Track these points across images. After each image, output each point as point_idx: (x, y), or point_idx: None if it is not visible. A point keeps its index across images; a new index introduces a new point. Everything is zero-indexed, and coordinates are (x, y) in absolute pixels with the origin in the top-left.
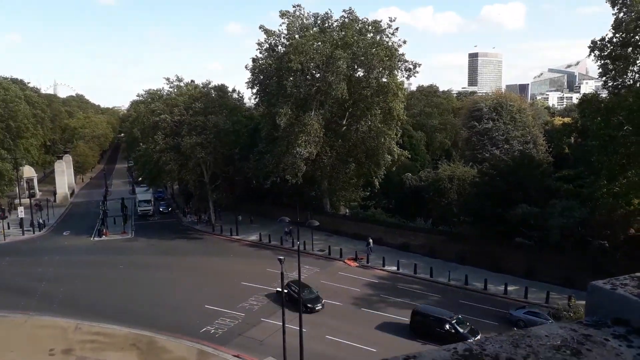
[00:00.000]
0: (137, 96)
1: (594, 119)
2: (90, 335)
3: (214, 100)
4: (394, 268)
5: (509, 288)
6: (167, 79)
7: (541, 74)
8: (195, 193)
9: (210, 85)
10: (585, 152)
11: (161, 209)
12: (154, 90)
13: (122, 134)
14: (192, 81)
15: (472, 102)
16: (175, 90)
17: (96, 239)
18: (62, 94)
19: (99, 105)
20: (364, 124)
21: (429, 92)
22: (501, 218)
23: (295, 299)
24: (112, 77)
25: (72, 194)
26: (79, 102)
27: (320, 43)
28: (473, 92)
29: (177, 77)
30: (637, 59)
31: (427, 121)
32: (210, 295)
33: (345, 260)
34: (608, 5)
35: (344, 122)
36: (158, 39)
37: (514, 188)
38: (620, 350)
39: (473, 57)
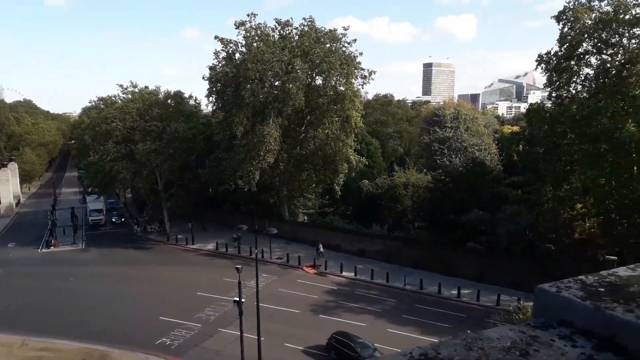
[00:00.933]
0: (90, 102)
1: (540, 127)
2: (37, 352)
3: (170, 106)
4: (352, 274)
5: (462, 291)
6: (121, 86)
7: (491, 84)
8: (149, 201)
9: (164, 91)
10: (532, 159)
11: (113, 219)
12: (106, 97)
13: (73, 141)
14: (146, 87)
15: (430, 111)
16: (130, 96)
17: (44, 250)
18: (9, 99)
19: (48, 112)
20: (321, 132)
21: (384, 101)
22: (454, 224)
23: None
24: (63, 82)
25: (17, 203)
26: (27, 108)
27: (279, 50)
28: (427, 101)
29: (132, 83)
30: (580, 71)
31: (382, 129)
32: (166, 306)
33: (304, 268)
34: (554, 20)
35: (302, 130)
36: (111, 43)
37: (466, 194)
38: (565, 350)
39: (427, 66)
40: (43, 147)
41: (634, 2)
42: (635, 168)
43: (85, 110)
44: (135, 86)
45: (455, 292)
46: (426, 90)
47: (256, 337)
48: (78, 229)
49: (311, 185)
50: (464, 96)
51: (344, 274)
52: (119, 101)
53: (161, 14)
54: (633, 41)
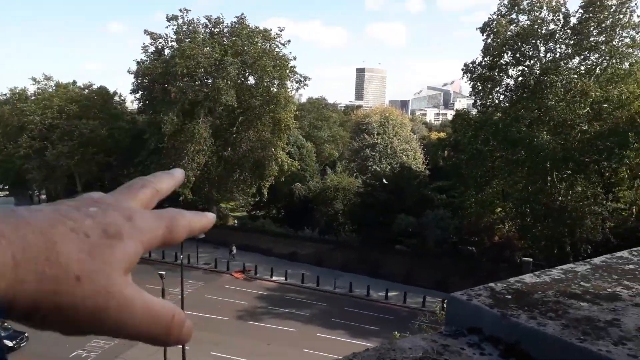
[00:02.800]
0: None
1: (465, 134)
2: None
3: (94, 103)
4: (282, 279)
5: (390, 293)
6: (34, 79)
7: (420, 91)
8: None
9: (90, 87)
10: (456, 164)
11: None
12: (19, 89)
13: None
14: (74, 82)
15: (360, 116)
16: (49, 89)
17: None
18: None
19: None
20: (253, 134)
21: (318, 105)
22: (382, 226)
23: None
24: None
25: None
26: None
27: (209, 48)
28: (359, 106)
29: (45, 76)
30: (502, 81)
31: (316, 133)
32: None
33: (232, 273)
34: (479, 31)
35: (234, 131)
36: (28, 35)
37: (393, 198)
38: (473, 358)
39: (360, 71)
40: None
41: (550, 17)
42: (549, 175)
43: None
44: (48, 78)
45: (383, 294)
46: (359, 94)
47: (180, 346)
48: None
49: (241, 188)
50: (394, 102)
51: (274, 278)
52: (33, 96)
53: (84, 5)
54: (549, 54)
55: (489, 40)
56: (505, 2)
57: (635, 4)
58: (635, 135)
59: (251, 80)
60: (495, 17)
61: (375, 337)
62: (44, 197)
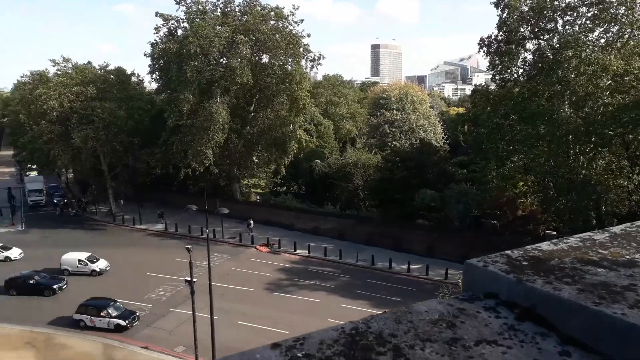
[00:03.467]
0: (21, 77)
1: (484, 109)
2: None
3: (112, 84)
4: (305, 252)
5: (412, 266)
6: (53, 61)
7: (437, 66)
8: (93, 182)
9: (107, 68)
10: (476, 139)
11: (55, 201)
12: (38, 71)
13: (6, 119)
14: (89, 62)
15: (378, 92)
16: (68, 71)
17: None
18: None
19: None
20: (270, 112)
21: (334, 82)
22: (403, 201)
23: None
24: None
25: None
26: None
27: (220, 27)
28: (376, 82)
29: (63, 58)
30: (520, 55)
31: (334, 110)
32: (114, 287)
33: (257, 247)
34: (493, 6)
35: (251, 109)
36: (44, 18)
37: (414, 173)
38: (489, 320)
39: (375, 48)
40: None
41: None
42: (571, 148)
43: (17, 86)
44: (67, 60)
45: (405, 266)
46: (374, 71)
47: (209, 316)
48: (16, 210)
49: (262, 165)
50: (411, 78)
51: (298, 252)
52: (53, 77)
53: None
54: (567, 27)
55: (504, 14)
56: None
57: None
58: None
59: (265, 59)
60: None
61: (398, 307)
62: (71, 175)
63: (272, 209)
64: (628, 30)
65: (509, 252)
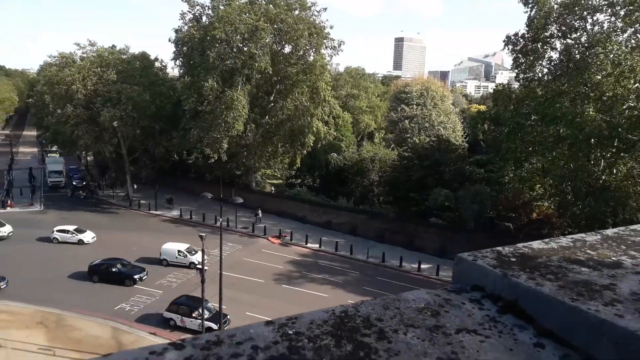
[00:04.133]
0: (48, 57)
1: (506, 108)
2: None
3: (135, 69)
4: (316, 245)
5: (423, 265)
6: (78, 44)
7: (461, 62)
8: (112, 166)
9: (131, 51)
10: (496, 138)
11: (75, 183)
12: (66, 54)
13: (31, 99)
14: (114, 46)
15: (400, 86)
16: (91, 55)
17: None
18: None
19: (4, 67)
20: (290, 102)
21: (356, 74)
22: (418, 199)
23: None
24: (19, 38)
25: None
26: None
27: (245, 14)
28: (398, 76)
29: (90, 42)
30: (546, 54)
31: (354, 103)
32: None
33: (269, 238)
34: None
35: (271, 99)
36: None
37: (430, 171)
38: (472, 311)
39: (399, 41)
40: None
41: None
42: (592, 152)
43: (44, 67)
44: (93, 44)
45: (415, 265)
46: (397, 65)
47: (217, 305)
48: (36, 190)
49: (278, 156)
50: (434, 73)
51: (309, 245)
52: (78, 60)
53: None
54: (596, 27)
55: (532, 12)
56: None
57: None
58: None
59: (287, 49)
60: None
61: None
62: (90, 158)
63: (286, 201)
64: None
65: (499, 248)
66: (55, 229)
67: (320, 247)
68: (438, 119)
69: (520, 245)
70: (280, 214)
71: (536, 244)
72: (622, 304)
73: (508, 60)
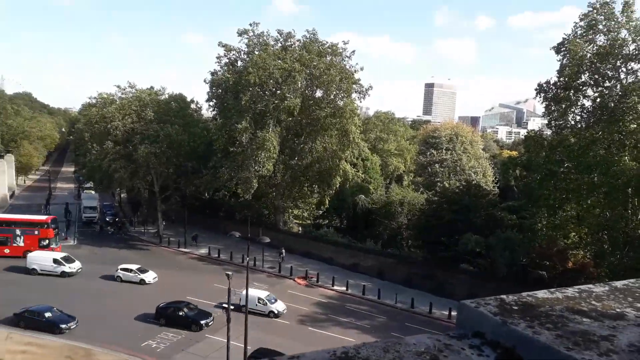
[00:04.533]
0: (89, 98)
1: (538, 154)
2: (22, 346)
3: (172, 109)
4: (343, 288)
5: (453, 313)
6: (118, 86)
7: (492, 108)
8: (144, 203)
9: (167, 92)
10: (528, 184)
11: (107, 219)
12: (106, 94)
13: (72, 137)
14: (152, 87)
15: (430, 131)
16: (129, 95)
17: None
18: (10, 90)
19: (47, 105)
20: (319, 144)
21: (385, 119)
22: (448, 244)
23: None
24: (64, 78)
25: (12, 195)
26: (26, 100)
27: (280, 60)
28: (427, 121)
29: (129, 84)
30: (578, 101)
31: (382, 146)
32: (153, 308)
33: (295, 279)
34: (553, 51)
35: (300, 141)
36: (113, 43)
37: (460, 216)
38: (471, 357)
39: (429, 87)
40: (40, 140)
41: (632, 37)
42: (629, 201)
43: (85, 106)
44: (132, 87)
45: (446, 312)
46: (427, 110)
47: (242, 345)
48: (71, 224)
49: (306, 197)
50: (464, 118)
51: (335, 287)
52: (117, 100)
53: (164, 16)
54: (630, 75)
55: (565, 60)
56: (582, 23)
57: None
58: None
59: (318, 93)
60: (570, 37)
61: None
62: (124, 195)
63: (313, 241)
64: None
65: (504, 296)
66: (119, 267)
67: (347, 289)
68: (468, 163)
69: (524, 294)
70: (307, 255)
71: (541, 294)
72: (618, 354)
73: (540, 108)
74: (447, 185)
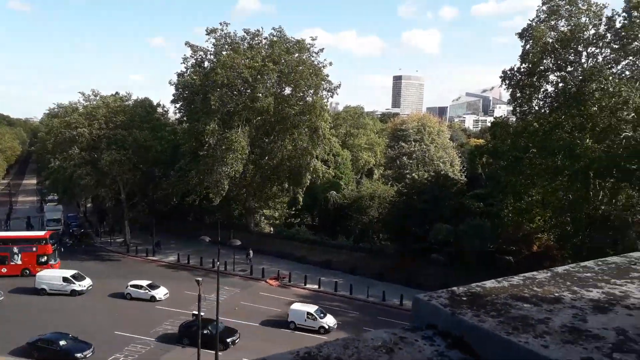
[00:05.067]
0: (49, 110)
1: (504, 141)
2: None
3: (138, 114)
4: (315, 286)
5: None
6: (83, 94)
7: (459, 97)
8: (110, 212)
9: (133, 98)
10: (494, 172)
11: (72, 230)
12: (67, 104)
13: (33, 147)
14: (117, 93)
15: (397, 124)
16: (95, 103)
17: None
18: None
19: (8, 116)
20: (289, 143)
21: (354, 113)
22: (418, 235)
23: None
24: (25, 87)
25: None
26: None
27: (249, 59)
28: (396, 114)
29: (93, 92)
30: (542, 87)
31: (353, 141)
32: (121, 320)
33: (267, 280)
34: (517, 37)
35: (270, 140)
36: (78, 49)
37: (430, 206)
38: (423, 348)
39: (397, 79)
40: (0, 153)
41: (592, 22)
42: (591, 183)
43: (47, 117)
44: (96, 95)
45: None
46: (396, 102)
47: (213, 352)
48: None
49: (277, 196)
50: (432, 109)
51: (308, 286)
52: (81, 108)
53: (128, 21)
54: (591, 60)
55: (528, 46)
56: (544, 8)
57: None
58: None
59: (287, 90)
60: (534, 23)
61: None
62: (89, 205)
63: (285, 241)
64: None
65: (454, 288)
66: (129, 284)
67: (319, 287)
68: (437, 154)
69: (473, 285)
70: (280, 255)
71: (489, 283)
72: (551, 335)
73: (506, 95)
74: (416, 177)
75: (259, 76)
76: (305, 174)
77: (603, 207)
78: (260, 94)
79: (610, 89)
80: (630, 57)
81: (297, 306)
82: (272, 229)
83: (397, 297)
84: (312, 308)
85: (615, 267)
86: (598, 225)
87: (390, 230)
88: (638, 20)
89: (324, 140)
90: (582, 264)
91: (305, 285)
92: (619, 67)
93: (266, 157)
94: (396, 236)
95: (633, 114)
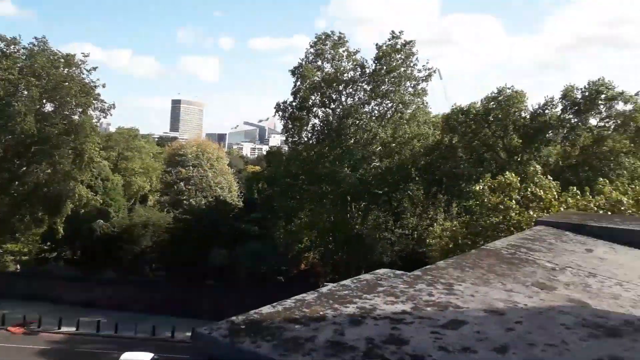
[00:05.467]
0: None
1: (278, 169)
2: None
3: None
4: (73, 329)
5: None
6: None
7: (237, 125)
8: None
9: None
10: (269, 197)
11: None
12: None
13: None
14: None
15: (175, 148)
16: None
17: None
18: None
19: None
20: (47, 166)
21: (129, 135)
22: (196, 262)
23: None
24: None
25: None
26: None
27: (3, 70)
28: (175, 138)
29: None
30: (310, 121)
31: (126, 164)
32: None
33: (8, 328)
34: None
35: (23, 162)
36: None
37: (208, 232)
38: None
39: (176, 103)
40: None
41: (350, 66)
42: (349, 206)
43: None
44: None
45: (189, 333)
46: (174, 126)
47: None
48: None
49: (29, 228)
50: (212, 135)
51: (63, 329)
52: None
53: None
54: (349, 99)
55: (299, 83)
56: (312, 50)
57: (416, 59)
58: (415, 170)
59: (48, 107)
60: (304, 62)
61: None
62: None
63: (36, 280)
64: (395, 104)
65: (233, 318)
66: (122, 357)
67: (77, 329)
68: (215, 179)
69: (252, 312)
70: (31, 297)
71: (265, 309)
72: (316, 351)
73: (279, 125)
74: (193, 202)
75: (17, 90)
76: (66, 201)
77: (357, 227)
78: (21, 110)
79: (363, 125)
80: (379, 99)
81: (127, 356)
82: (18, 266)
83: (168, 329)
84: (147, 356)
85: (366, 283)
86: (353, 242)
87: (164, 259)
88: (384, 68)
89: (92, 164)
90: (342, 282)
91: (59, 328)
92: (370, 106)
93: (16, 183)
94: (171, 265)
95: (380, 147)
